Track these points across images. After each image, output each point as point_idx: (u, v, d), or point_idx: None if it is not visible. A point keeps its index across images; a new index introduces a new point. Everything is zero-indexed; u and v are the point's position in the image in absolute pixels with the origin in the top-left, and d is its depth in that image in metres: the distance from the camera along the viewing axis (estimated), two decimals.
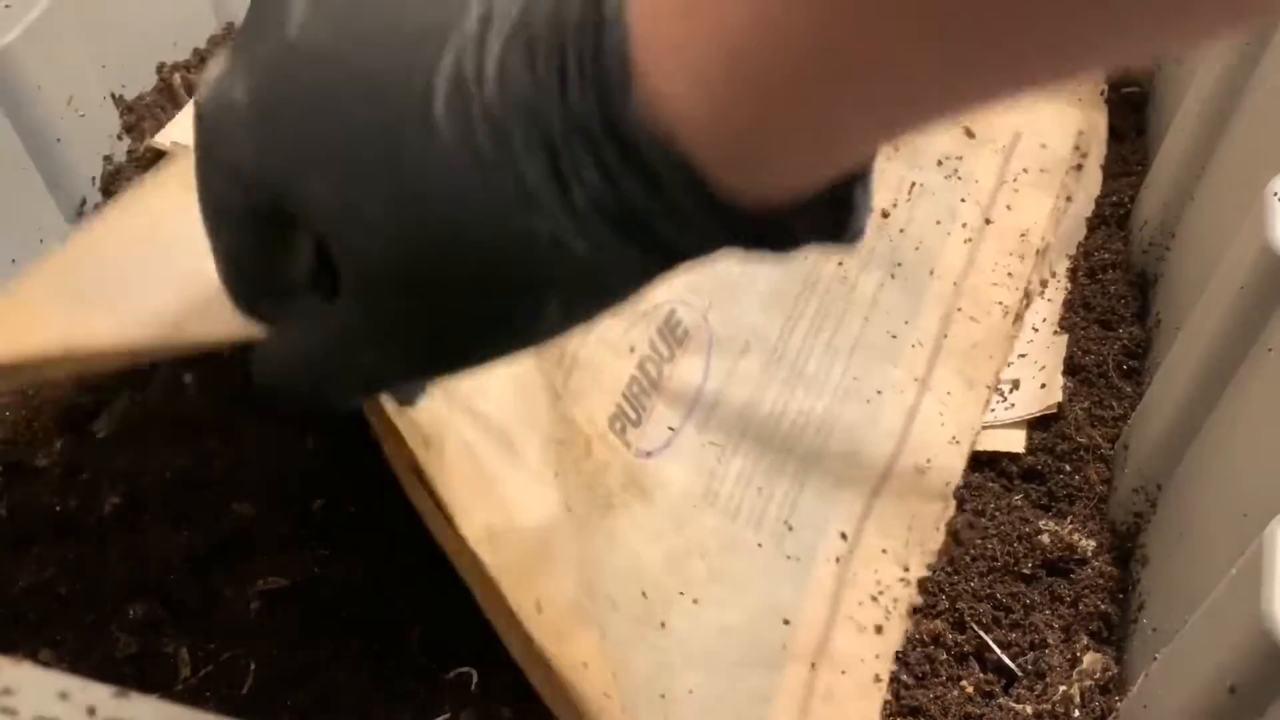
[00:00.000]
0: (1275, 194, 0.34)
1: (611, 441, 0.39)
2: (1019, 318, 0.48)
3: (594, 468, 0.38)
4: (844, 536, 0.41)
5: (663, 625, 0.37)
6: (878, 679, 0.38)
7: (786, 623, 0.39)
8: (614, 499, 0.38)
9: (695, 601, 0.38)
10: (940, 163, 0.50)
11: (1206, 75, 0.43)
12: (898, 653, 0.39)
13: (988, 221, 0.49)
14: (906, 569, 0.41)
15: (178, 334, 0.30)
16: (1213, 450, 0.36)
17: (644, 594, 0.37)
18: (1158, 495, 0.39)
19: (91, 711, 0.16)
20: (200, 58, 0.49)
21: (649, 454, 0.40)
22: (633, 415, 0.40)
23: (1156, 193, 0.47)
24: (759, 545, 0.40)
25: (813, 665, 0.38)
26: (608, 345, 0.41)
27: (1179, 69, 0.51)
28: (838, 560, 0.41)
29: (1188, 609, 0.31)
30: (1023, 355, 0.46)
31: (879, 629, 0.39)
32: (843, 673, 0.38)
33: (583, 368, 0.40)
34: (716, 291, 0.44)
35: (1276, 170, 0.35)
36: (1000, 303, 0.47)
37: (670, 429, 0.41)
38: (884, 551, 0.41)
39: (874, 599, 0.40)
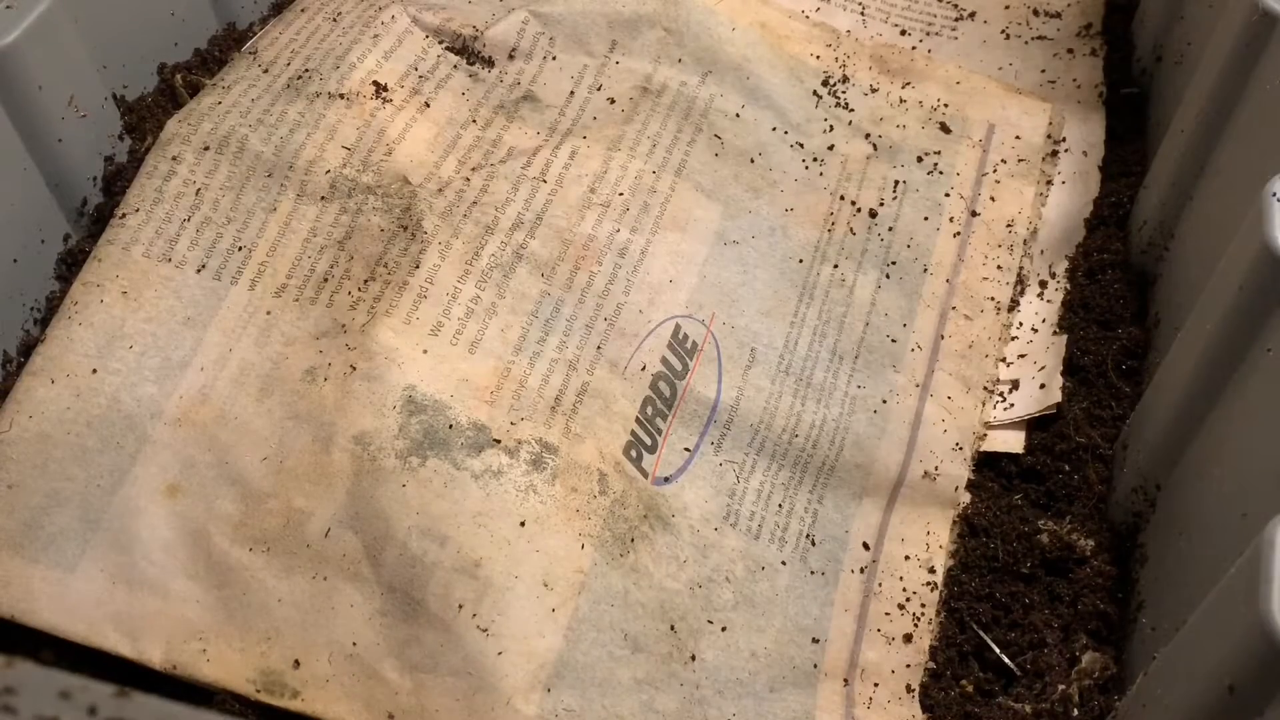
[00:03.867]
0: (1275, 194, 0.34)
1: (628, 470, 0.39)
2: (1013, 306, 0.48)
3: (610, 503, 0.38)
4: (866, 546, 0.41)
5: (693, 658, 0.37)
6: (910, 689, 0.38)
7: (816, 641, 0.39)
8: (634, 532, 0.38)
9: (724, 629, 0.38)
10: (920, 159, 0.50)
11: (1206, 75, 0.43)
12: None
13: (973, 214, 0.49)
14: (933, 571, 0.41)
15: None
16: (1212, 450, 0.36)
17: (673, 628, 0.37)
18: (1157, 495, 0.39)
19: (92, 711, 0.16)
20: (201, 58, 0.49)
21: (667, 479, 0.40)
22: (648, 440, 0.40)
23: (1155, 193, 0.47)
24: (783, 563, 0.40)
25: (845, 681, 0.38)
26: (615, 370, 0.41)
27: (1179, 69, 0.51)
28: (862, 570, 0.41)
29: (1187, 609, 0.31)
30: (1022, 356, 0.46)
31: (908, 638, 0.39)
32: (875, 685, 0.38)
33: (591, 397, 0.40)
34: (718, 302, 0.44)
35: (1276, 170, 0.35)
36: (992, 298, 0.47)
37: (686, 450, 0.41)
38: (907, 558, 0.41)
39: (900, 608, 0.40)
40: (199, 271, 0.40)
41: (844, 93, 0.52)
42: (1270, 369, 0.33)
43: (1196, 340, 0.37)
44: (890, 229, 0.48)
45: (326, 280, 0.40)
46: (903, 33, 0.57)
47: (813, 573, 0.40)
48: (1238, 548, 0.28)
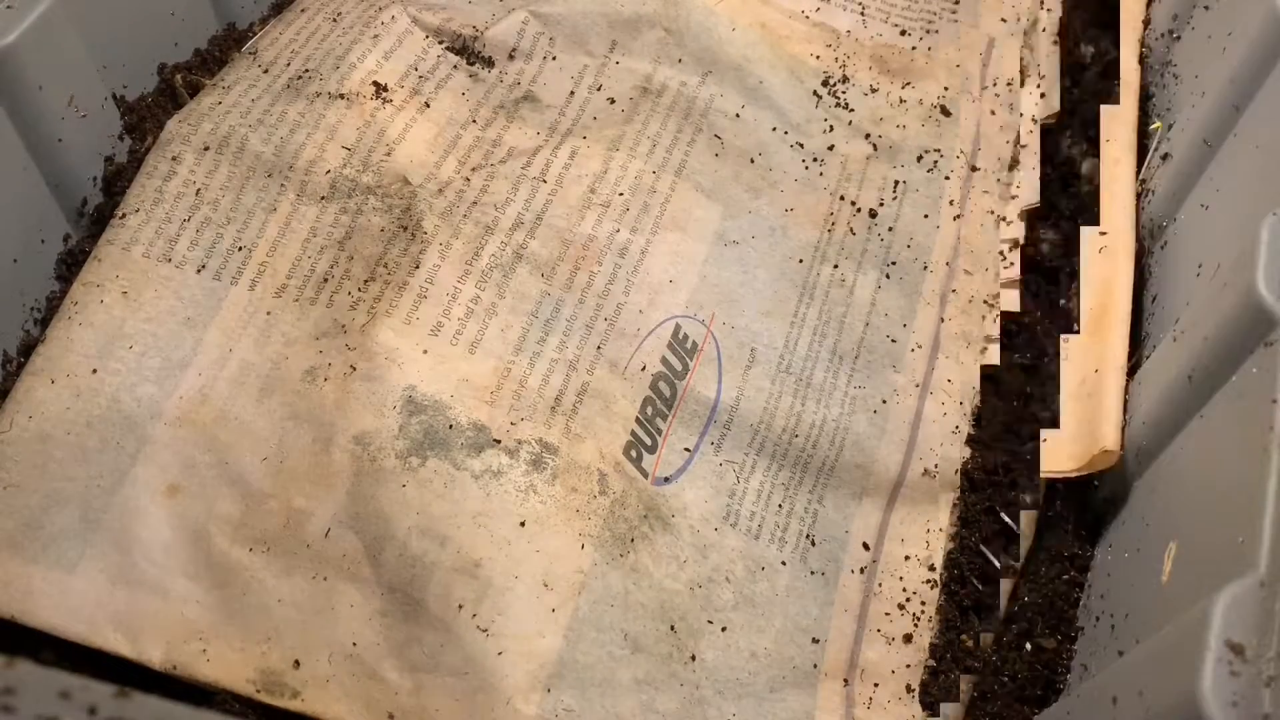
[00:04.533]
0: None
1: (628, 470, 0.39)
2: (1014, 165, 0.49)
3: (610, 504, 0.38)
4: (866, 547, 0.41)
5: (693, 658, 0.37)
6: (909, 688, 0.38)
7: (816, 641, 0.39)
8: (634, 533, 0.38)
9: (724, 629, 0.38)
10: (920, 158, 0.50)
11: (1206, 75, 0.43)
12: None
13: (974, 169, 0.50)
14: (933, 569, 0.41)
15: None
16: (1210, 450, 0.36)
17: (673, 628, 0.37)
18: (1153, 494, 0.39)
19: (92, 711, 0.16)
20: (201, 58, 0.49)
21: (667, 479, 0.40)
22: (648, 441, 0.40)
23: (1155, 193, 0.47)
24: (783, 563, 0.40)
25: (845, 681, 0.38)
26: (615, 371, 0.41)
27: (1178, 68, 0.51)
28: (862, 571, 0.41)
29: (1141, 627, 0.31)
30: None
31: (908, 638, 0.39)
32: (875, 685, 0.38)
33: (591, 397, 0.40)
34: (718, 302, 0.44)
35: (1276, 170, 0.35)
36: (994, 252, 0.48)
37: (686, 450, 0.41)
38: (907, 558, 0.41)
39: (901, 608, 0.40)
40: (199, 272, 0.40)
41: (844, 93, 0.52)
42: (1270, 369, 0.33)
43: (1196, 340, 0.37)
44: (890, 229, 0.48)
45: (326, 280, 0.40)
46: (903, 33, 0.57)
47: (813, 573, 0.40)
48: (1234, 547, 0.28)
